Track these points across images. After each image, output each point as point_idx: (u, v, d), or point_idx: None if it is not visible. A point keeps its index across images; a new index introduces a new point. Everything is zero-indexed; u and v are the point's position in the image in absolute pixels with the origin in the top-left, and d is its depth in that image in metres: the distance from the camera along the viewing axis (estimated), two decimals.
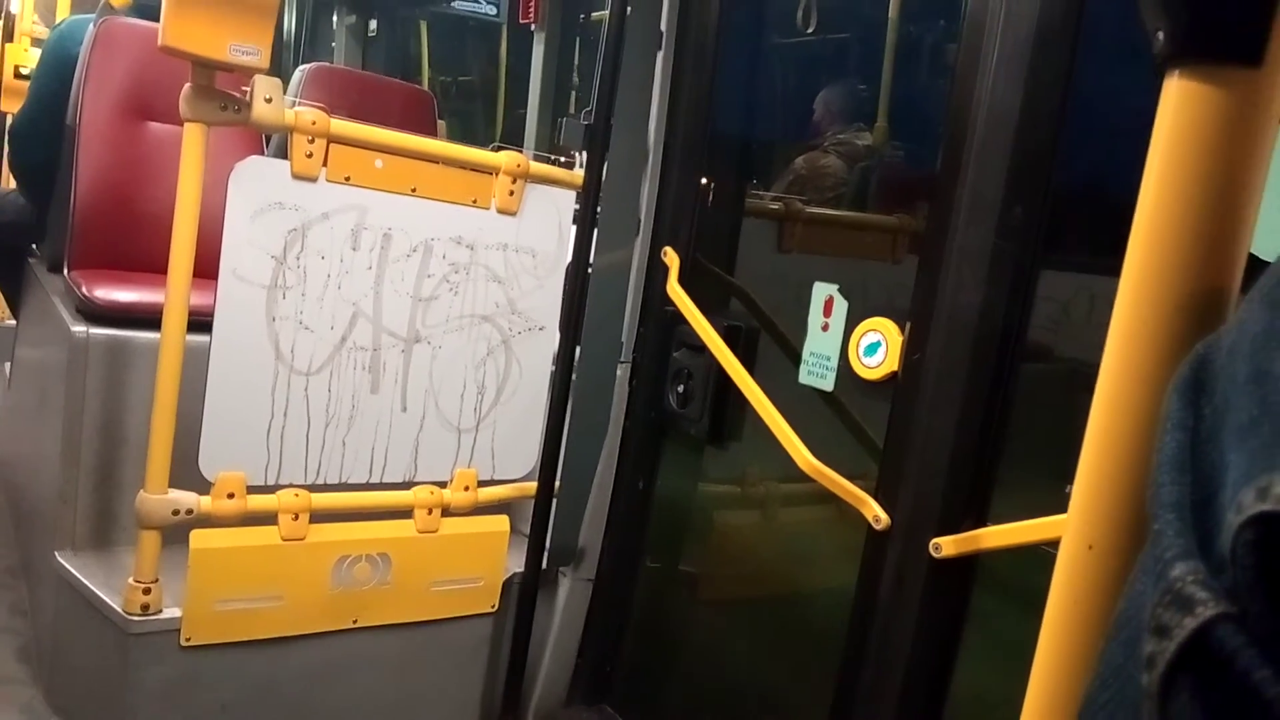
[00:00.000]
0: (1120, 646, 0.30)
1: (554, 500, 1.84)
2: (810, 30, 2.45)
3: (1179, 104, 0.40)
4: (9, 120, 2.92)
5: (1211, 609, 0.24)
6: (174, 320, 1.49)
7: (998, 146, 1.32)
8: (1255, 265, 0.36)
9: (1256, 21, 0.38)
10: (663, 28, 1.84)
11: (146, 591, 1.54)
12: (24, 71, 3.19)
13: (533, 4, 2.78)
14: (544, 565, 1.85)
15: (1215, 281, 0.40)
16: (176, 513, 1.53)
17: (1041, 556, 1.25)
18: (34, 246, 2.48)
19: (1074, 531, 0.42)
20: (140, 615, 1.54)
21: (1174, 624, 0.25)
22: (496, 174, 1.74)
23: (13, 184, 2.65)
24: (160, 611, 1.56)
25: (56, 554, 1.70)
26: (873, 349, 1.49)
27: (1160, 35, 0.39)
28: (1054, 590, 0.43)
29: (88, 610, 1.61)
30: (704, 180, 1.89)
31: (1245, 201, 0.40)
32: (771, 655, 1.85)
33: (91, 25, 2.14)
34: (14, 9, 3.43)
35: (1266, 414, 0.25)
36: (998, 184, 1.32)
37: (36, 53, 3.02)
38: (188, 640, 1.56)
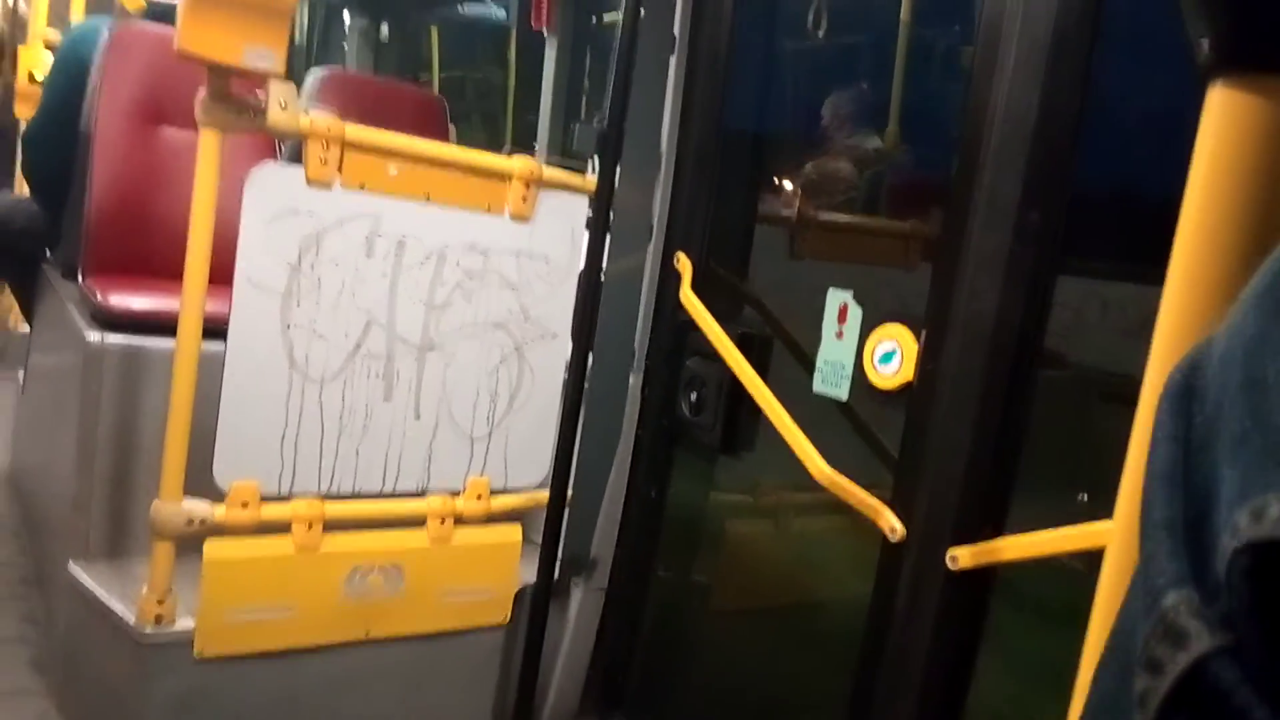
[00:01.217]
0: (1112, 674, 0.29)
1: (566, 509, 1.83)
2: (822, 34, 2.44)
3: (1223, 113, 0.39)
4: (23, 126, 2.94)
5: (1205, 643, 0.23)
6: (189, 328, 1.49)
7: (1014, 150, 1.31)
8: None
9: None
10: (675, 32, 1.83)
11: (160, 602, 1.54)
12: (38, 77, 3.20)
13: (544, 9, 2.78)
14: (556, 575, 1.84)
15: None
16: (191, 522, 1.52)
17: (1060, 567, 1.24)
18: (48, 253, 2.49)
19: (1118, 550, 0.40)
20: (154, 626, 1.54)
21: (1167, 659, 0.24)
22: (510, 180, 1.74)
23: (26, 190, 2.66)
24: (174, 622, 1.55)
25: (70, 563, 1.70)
26: (888, 357, 1.48)
27: (1205, 44, 0.38)
28: (1096, 613, 0.42)
29: (101, 621, 1.61)
30: (717, 185, 1.88)
31: None
32: (785, 666, 1.84)
33: (105, 30, 2.14)
34: (23, 12, 3.45)
35: (1259, 426, 0.24)
36: (1014, 188, 1.31)
37: (50, 58, 3.03)
38: (201, 651, 1.56)
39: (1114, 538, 0.41)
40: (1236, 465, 0.25)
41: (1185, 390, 0.29)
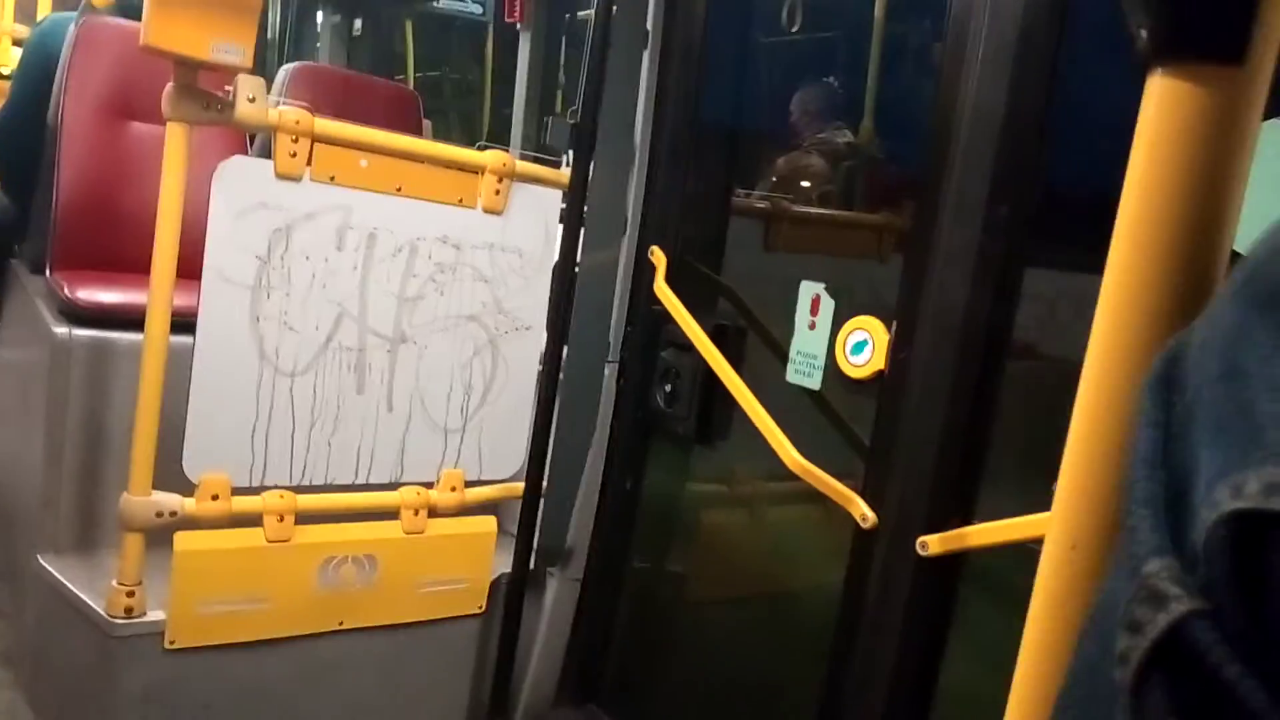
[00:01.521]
0: (1094, 642, 0.30)
1: (541, 500, 1.83)
2: (796, 29, 2.45)
3: (1162, 103, 0.40)
4: None
5: (1185, 605, 0.24)
6: (157, 321, 1.48)
7: (983, 145, 1.32)
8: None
9: (1239, 20, 0.38)
10: (649, 27, 1.83)
11: (130, 594, 1.53)
12: (4, 71, 3.16)
13: (518, 3, 2.77)
14: (531, 565, 1.85)
15: (1199, 280, 0.40)
16: (160, 515, 1.51)
17: (1028, 554, 1.26)
18: (15, 247, 2.46)
19: (1057, 531, 0.42)
20: (124, 618, 1.53)
21: (1147, 620, 0.25)
22: (482, 173, 1.74)
23: None
24: (144, 614, 1.55)
25: (39, 556, 1.68)
26: (859, 347, 1.50)
27: (1143, 33, 0.39)
28: (1037, 590, 0.43)
29: (70, 613, 1.60)
30: (690, 179, 1.89)
31: (1228, 200, 0.40)
32: (759, 654, 1.85)
33: (73, 24, 2.12)
34: None
35: (1239, 410, 0.25)
36: (983, 183, 1.33)
37: (17, 53, 2.99)
38: (172, 643, 1.55)
39: (1054, 515, 0.42)
40: (1216, 448, 0.26)
41: (1166, 379, 0.30)
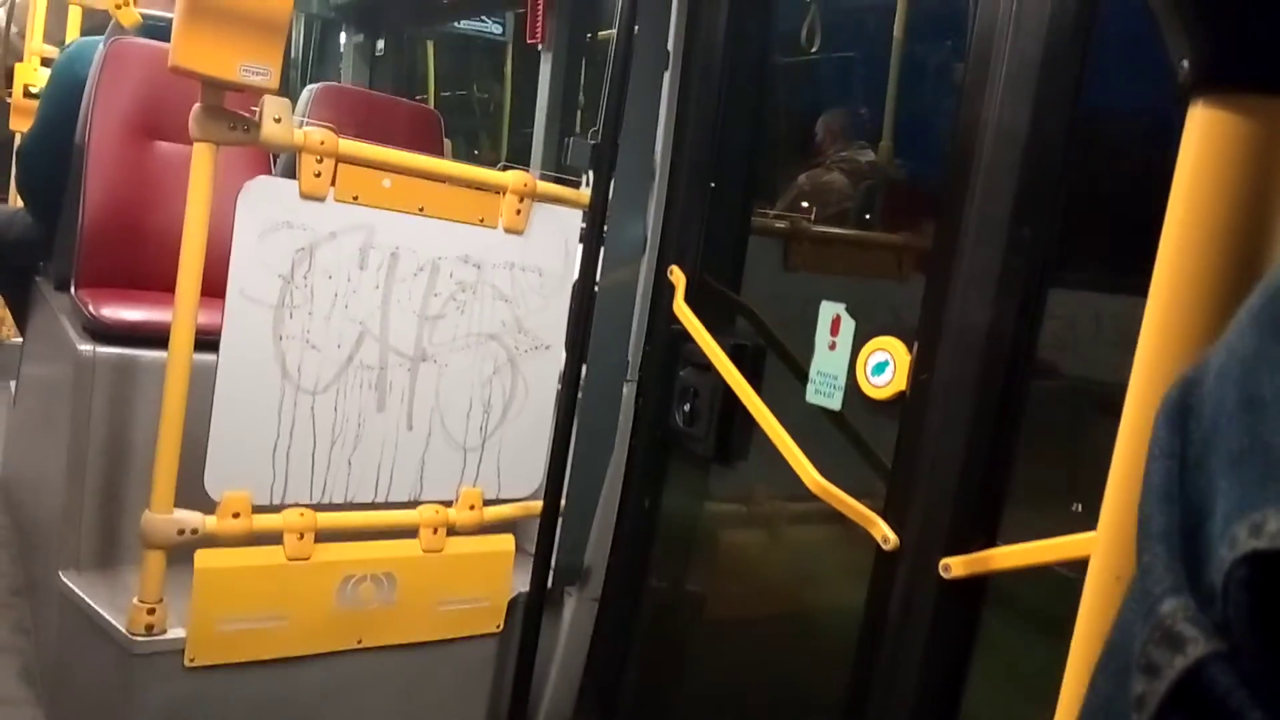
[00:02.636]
0: (1109, 679, 0.30)
1: (559, 519, 1.83)
2: (815, 50, 2.46)
3: (1204, 132, 0.40)
4: (18, 139, 2.94)
5: (1202, 648, 0.24)
6: (181, 339, 1.49)
7: (1006, 165, 1.32)
8: None
9: None
10: (669, 47, 1.84)
11: (151, 611, 1.53)
12: (33, 90, 3.21)
13: (539, 24, 2.79)
14: (549, 585, 1.84)
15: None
16: (182, 532, 1.52)
17: (1050, 576, 1.24)
18: (41, 265, 2.49)
19: (1101, 563, 0.41)
20: (144, 635, 1.53)
21: (1164, 663, 0.25)
22: (504, 193, 1.75)
23: (20, 203, 2.66)
24: (165, 632, 1.55)
25: (60, 573, 1.69)
26: (880, 368, 1.49)
27: (1185, 64, 0.39)
28: (1081, 622, 0.42)
29: (91, 630, 1.60)
30: (710, 199, 1.89)
31: (1271, 229, 0.39)
32: (779, 676, 1.84)
33: (101, 45, 2.15)
34: (14, 34, 3.46)
35: (1256, 443, 0.25)
36: (1006, 203, 1.32)
37: (45, 72, 3.04)
38: (192, 661, 1.55)
39: (1097, 547, 0.42)
40: (1234, 481, 0.25)
41: (1182, 408, 0.29)
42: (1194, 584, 0.25)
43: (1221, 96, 0.39)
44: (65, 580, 1.67)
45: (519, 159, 3.17)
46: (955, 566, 1.33)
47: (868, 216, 2.44)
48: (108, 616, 1.58)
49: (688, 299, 1.84)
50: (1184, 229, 0.40)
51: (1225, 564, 0.24)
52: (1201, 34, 0.38)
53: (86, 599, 1.62)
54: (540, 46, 2.84)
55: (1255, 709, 0.23)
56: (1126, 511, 0.40)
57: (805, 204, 2.36)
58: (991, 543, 1.33)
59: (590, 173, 1.84)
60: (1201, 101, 0.39)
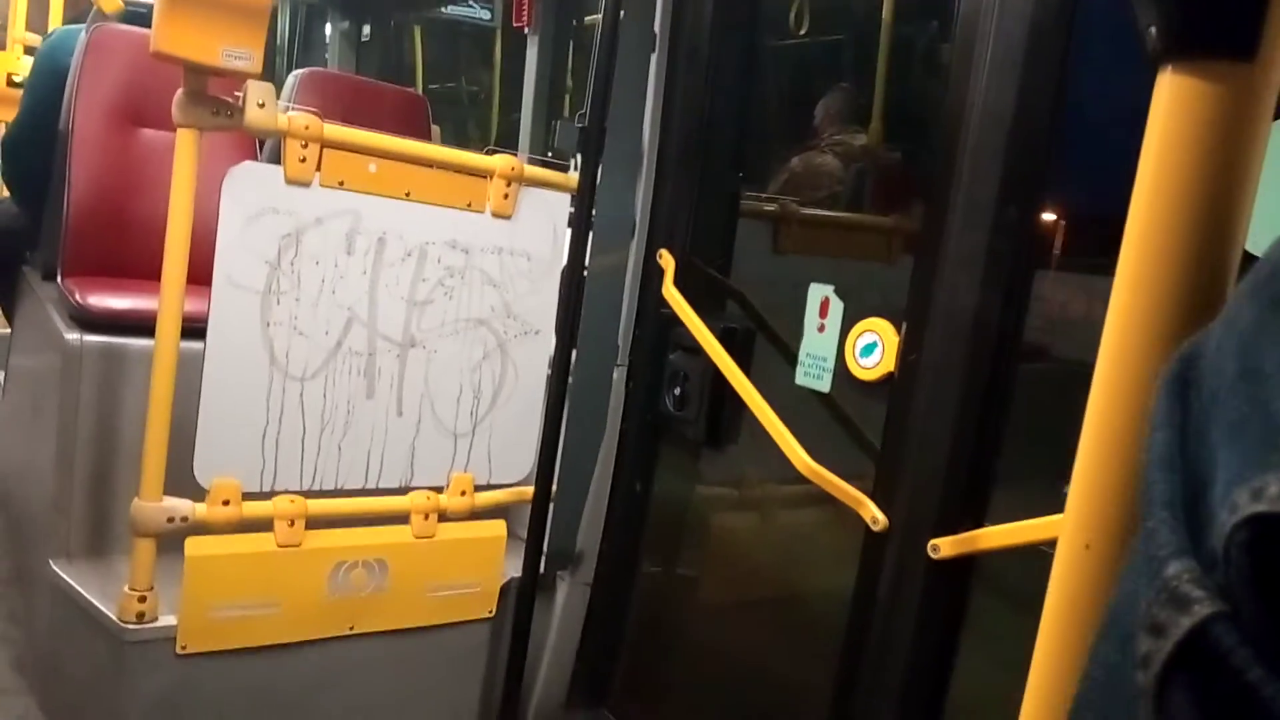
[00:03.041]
0: (1112, 645, 0.30)
1: (551, 504, 1.83)
2: (803, 32, 2.45)
3: (1172, 100, 0.40)
4: (2, 129, 2.92)
5: (1207, 608, 0.24)
6: (168, 327, 1.49)
7: (992, 147, 1.32)
8: (1250, 262, 0.36)
9: (1250, 15, 0.37)
10: (656, 30, 1.84)
11: (142, 599, 1.53)
12: (16, 79, 3.18)
13: (526, 8, 2.78)
14: (541, 569, 1.85)
15: (1211, 278, 0.39)
16: (171, 520, 1.52)
17: (1041, 556, 1.25)
18: (27, 254, 2.47)
19: (1071, 531, 0.41)
20: (135, 623, 1.53)
21: (1170, 622, 0.25)
22: (491, 178, 1.74)
23: (5, 192, 2.64)
24: (156, 619, 1.55)
25: (51, 562, 1.69)
26: (869, 350, 1.49)
27: (1153, 30, 0.39)
28: (1051, 590, 0.42)
29: (83, 618, 1.60)
30: (698, 182, 1.89)
31: (1240, 197, 0.39)
32: (770, 658, 1.85)
33: (83, 32, 2.14)
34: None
35: (1256, 411, 0.25)
36: (992, 185, 1.32)
37: (29, 61, 3.02)
38: (183, 648, 1.56)
39: (1066, 515, 0.42)
40: (1235, 449, 0.26)
41: (1182, 380, 0.30)
42: (1197, 549, 0.26)
43: (1189, 63, 0.39)
44: (56, 569, 1.67)
45: (508, 144, 3.16)
46: (944, 547, 1.34)
47: (859, 199, 2.44)
48: (99, 605, 1.58)
49: (677, 283, 1.84)
50: (1152, 199, 0.40)
51: (1226, 528, 0.24)
52: (1167, 2, 0.38)
53: (77, 587, 1.62)
54: (527, 30, 2.82)
55: (1257, 667, 0.23)
56: (1095, 481, 0.41)
57: (798, 187, 2.36)
58: (979, 523, 1.33)
59: (578, 157, 1.83)
60: (1169, 69, 0.39)
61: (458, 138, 4.19)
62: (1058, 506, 1.19)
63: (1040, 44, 1.28)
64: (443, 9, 3.94)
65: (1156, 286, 0.40)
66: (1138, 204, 0.41)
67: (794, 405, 1.61)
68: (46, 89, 2.21)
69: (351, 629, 1.71)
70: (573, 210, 1.82)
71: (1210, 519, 0.26)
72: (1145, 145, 0.41)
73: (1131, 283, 0.41)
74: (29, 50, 3.28)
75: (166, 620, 1.56)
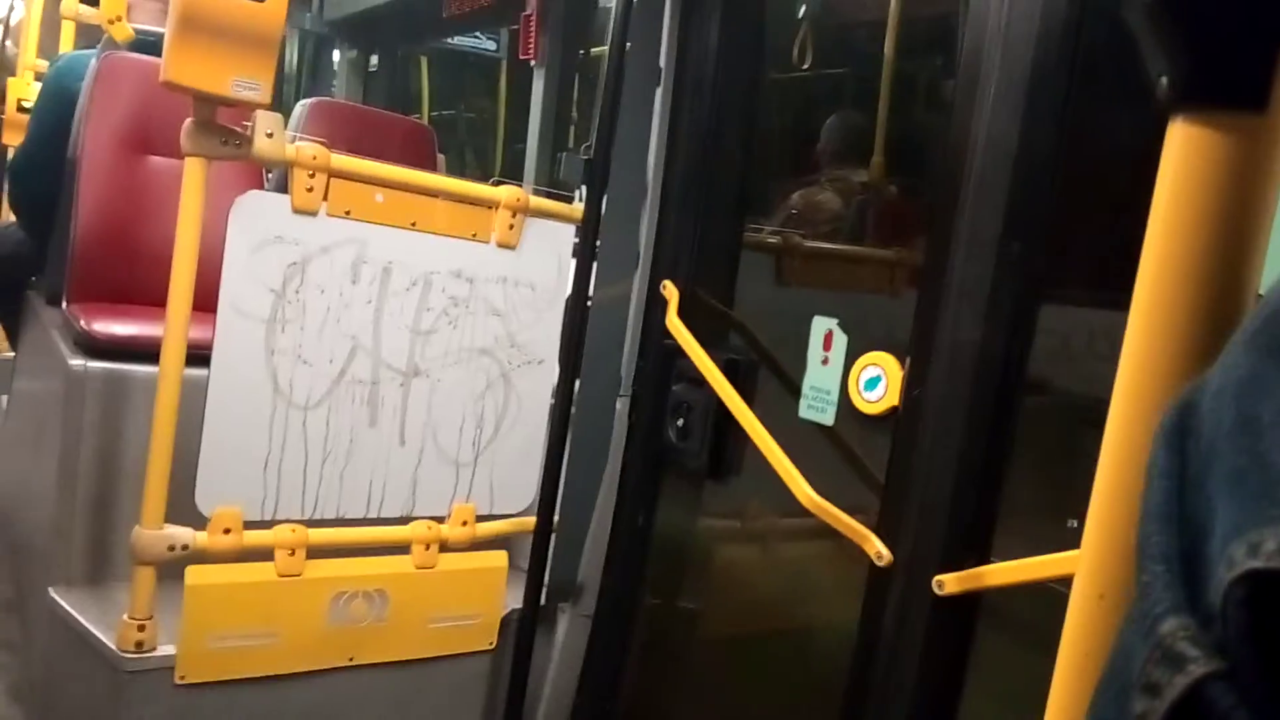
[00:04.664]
0: (1110, 702, 0.30)
1: (553, 535, 1.82)
2: (807, 66, 2.47)
3: (1183, 150, 0.40)
4: (10, 154, 2.94)
5: (1202, 667, 0.24)
6: (172, 354, 1.49)
7: (995, 182, 1.32)
8: None
9: (1261, 67, 0.38)
10: (661, 64, 1.85)
11: (141, 628, 1.52)
12: (26, 105, 3.21)
13: (533, 40, 2.81)
14: (543, 601, 1.84)
15: (1224, 326, 0.39)
16: (172, 548, 1.51)
17: (1048, 592, 1.24)
18: (34, 280, 2.48)
19: (1085, 580, 0.41)
20: (134, 652, 1.52)
21: (1165, 682, 0.25)
22: (496, 208, 1.75)
23: (12, 217, 2.66)
24: (155, 649, 1.54)
25: (50, 589, 1.68)
26: (873, 383, 1.49)
27: (1164, 80, 0.39)
28: (1065, 640, 0.42)
29: (81, 647, 1.59)
30: (703, 214, 1.90)
31: (1252, 246, 0.40)
32: (773, 693, 1.83)
33: (94, 60, 2.16)
34: (10, 51, 3.46)
35: (1255, 464, 0.25)
36: (996, 219, 1.33)
37: (38, 87, 3.04)
38: (182, 678, 1.54)
39: (1080, 565, 0.41)
40: (1232, 501, 0.25)
41: (1180, 429, 0.30)
42: (1194, 604, 0.25)
43: (1199, 114, 0.39)
44: (55, 596, 1.66)
45: (514, 174, 3.18)
46: (949, 583, 1.33)
47: (861, 234, 2.45)
48: (97, 633, 1.57)
49: (680, 314, 1.84)
50: (1164, 245, 0.40)
51: (1223, 584, 0.24)
52: (1178, 52, 0.38)
53: (76, 615, 1.61)
54: (533, 63, 2.85)
55: None
56: (1108, 530, 0.40)
57: (798, 222, 2.37)
58: (985, 559, 1.32)
59: (584, 188, 1.84)
60: (1180, 119, 0.40)
61: (460, 165, 4.22)
62: (1064, 542, 1.18)
63: (1043, 79, 1.29)
64: (450, 39, 3.98)
65: (1169, 334, 0.40)
66: (1149, 251, 0.41)
67: (798, 438, 1.61)
68: (54, 114, 2.23)
69: (351, 660, 1.69)
70: (577, 241, 1.83)
71: (1208, 572, 0.25)
72: (1156, 194, 0.41)
73: (1143, 332, 0.41)
74: (39, 77, 3.30)
75: (166, 650, 1.54)
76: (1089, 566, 0.41)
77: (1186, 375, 0.39)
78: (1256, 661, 0.23)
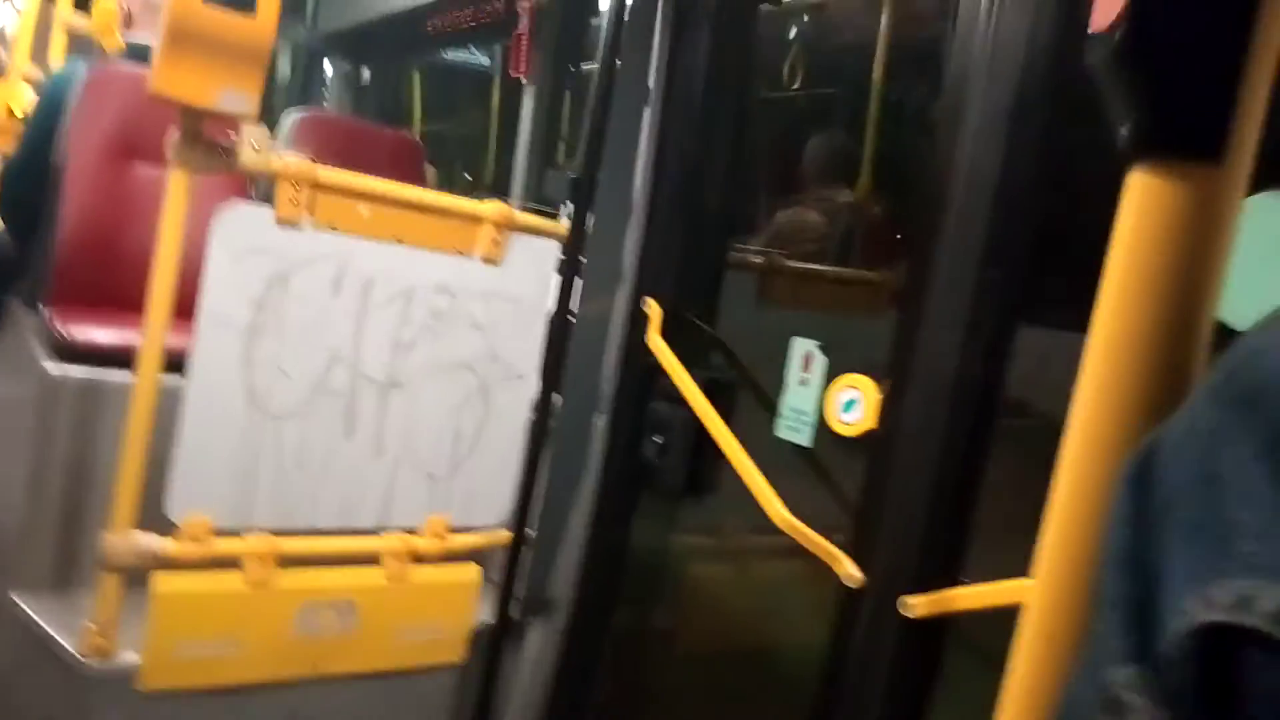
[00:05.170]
0: None
1: (525, 549, 1.82)
2: (796, 87, 2.49)
3: (1142, 199, 0.41)
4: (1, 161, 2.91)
5: (1147, 717, 0.24)
6: (149, 361, 1.48)
7: (976, 208, 1.33)
8: (1225, 333, 0.37)
9: (1217, 120, 0.39)
10: (650, 82, 1.86)
11: (105, 635, 1.50)
12: (17, 112, 3.18)
13: (522, 58, 2.82)
14: (514, 615, 1.83)
15: (1176, 371, 0.40)
16: (141, 555, 1.50)
17: (1015, 616, 1.24)
18: (16, 285, 2.46)
19: (1038, 602, 0.41)
20: (96, 659, 1.50)
21: None
22: (482, 223, 1.75)
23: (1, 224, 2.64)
24: (118, 655, 1.52)
25: (13, 594, 1.66)
26: (850, 405, 1.50)
27: (1124, 130, 0.40)
28: (1016, 657, 0.42)
29: (43, 653, 1.57)
30: (688, 233, 1.90)
31: (1205, 294, 0.40)
32: (742, 710, 1.83)
33: (84, 68, 2.15)
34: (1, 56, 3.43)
35: (1210, 518, 0.26)
36: (976, 246, 1.34)
37: (30, 92, 3.02)
38: (145, 685, 1.53)
39: (1034, 592, 0.42)
40: (1189, 552, 0.26)
41: (1140, 477, 0.30)
42: (1145, 651, 0.26)
43: (1158, 164, 0.40)
44: (17, 600, 1.64)
45: (506, 188, 3.19)
46: (918, 605, 1.33)
47: (843, 255, 2.46)
48: (59, 638, 1.55)
49: (662, 332, 1.84)
50: (1120, 294, 0.41)
51: (1176, 635, 0.24)
52: (1138, 104, 0.39)
53: (38, 620, 1.59)
54: (523, 79, 2.86)
55: None
56: (1057, 569, 0.41)
57: (783, 242, 2.38)
58: (955, 582, 1.33)
59: (569, 204, 1.85)
60: (1139, 168, 0.40)
61: (451, 179, 4.22)
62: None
63: (1026, 109, 1.30)
64: (442, 54, 3.99)
65: (1123, 379, 0.41)
66: (1106, 298, 0.42)
67: (774, 458, 1.61)
68: (47, 122, 2.21)
69: (315, 670, 1.68)
70: (561, 257, 1.83)
71: (1161, 622, 0.26)
72: (1115, 240, 0.42)
73: (1098, 374, 0.41)
74: (29, 82, 3.28)
75: (129, 657, 1.53)
76: (1041, 593, 0.42)
77: (1139, 421, 0.40)
78: (1205, 713, 0.24)
